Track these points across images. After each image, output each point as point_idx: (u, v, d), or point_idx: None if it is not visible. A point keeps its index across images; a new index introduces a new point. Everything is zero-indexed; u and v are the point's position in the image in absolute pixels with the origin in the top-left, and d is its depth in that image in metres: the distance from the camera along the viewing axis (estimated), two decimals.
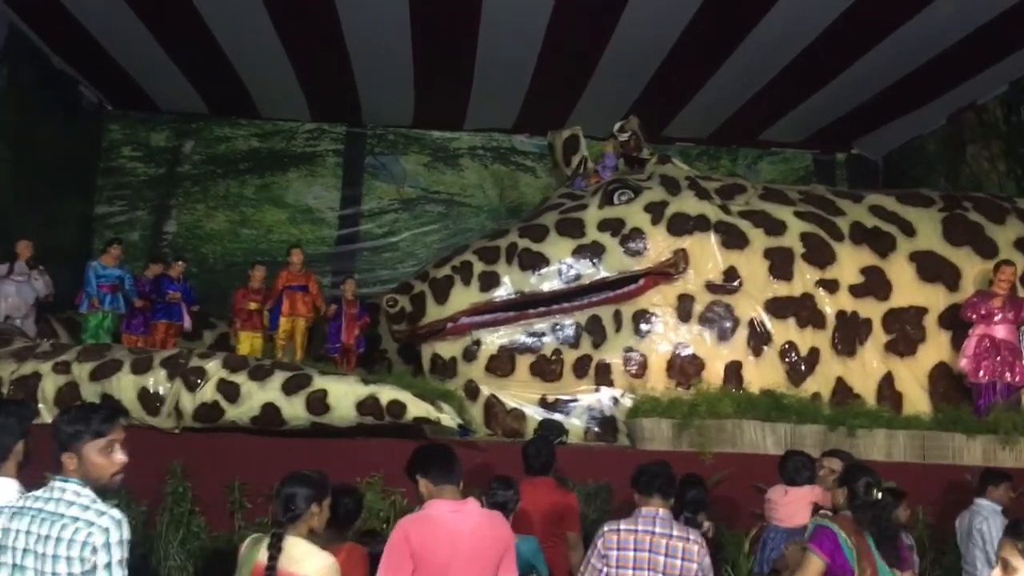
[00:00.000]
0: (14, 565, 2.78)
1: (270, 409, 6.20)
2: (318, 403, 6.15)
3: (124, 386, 6.37)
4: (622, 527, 3.83)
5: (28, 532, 2.79)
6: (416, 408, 6.11)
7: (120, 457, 2.95)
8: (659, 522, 3.82)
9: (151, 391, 6.35)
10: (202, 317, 10.59)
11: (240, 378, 6.29)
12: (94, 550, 2.73)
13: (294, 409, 6.18)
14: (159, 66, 12.03)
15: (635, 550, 3.75)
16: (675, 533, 3.81)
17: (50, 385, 6.48)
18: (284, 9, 10.20)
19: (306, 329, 9.51)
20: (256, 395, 6.21)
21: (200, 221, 13.66)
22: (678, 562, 3.72)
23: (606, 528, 3.86)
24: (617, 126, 9.06)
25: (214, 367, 6.36)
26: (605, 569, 3.78)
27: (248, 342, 9.39)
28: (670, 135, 13.82)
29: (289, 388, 6.20)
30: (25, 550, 2.78)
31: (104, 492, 2.95)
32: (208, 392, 6.26)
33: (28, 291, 8.86)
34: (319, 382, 6.20)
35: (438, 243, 13.47)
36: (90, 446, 2.88)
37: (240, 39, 11.09)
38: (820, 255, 8.11)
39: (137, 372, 6.41)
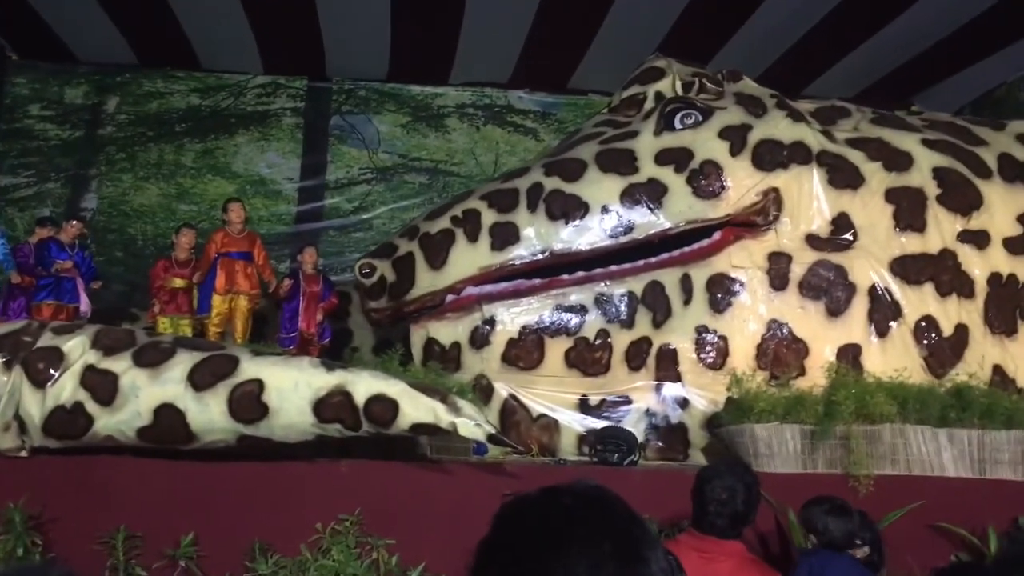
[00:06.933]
0: None
1: (170, 414, 3.92)
2: (250, 402, 3.86)
3: None
4: None
5: None
6: (415, 408, 3.75)
7: None
8: None
9: None
10: (122, 308, 8.68)
11: (120, 364, 3.93)
12: None
13: (209, 414, 3.90)
14: (76, 5, 10.34)
15: None
16: None
17: None
18: None
19: (249, 311, 7.17)
20: (146, 392, 3.91)
21: (127, 195, 11.60)
22: None
23: None
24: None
25: (77, 346, 3.98)
26: None
27: (172, 330, 6.97)
28: None
29: (201, 379, 3.89)
30: None
31: None
32: (67, 389, 3.93)
33: None
34: (250, 368, 3.86)
35: None
36: None
37: None
38: (962, 197, 6.29)
39: None
